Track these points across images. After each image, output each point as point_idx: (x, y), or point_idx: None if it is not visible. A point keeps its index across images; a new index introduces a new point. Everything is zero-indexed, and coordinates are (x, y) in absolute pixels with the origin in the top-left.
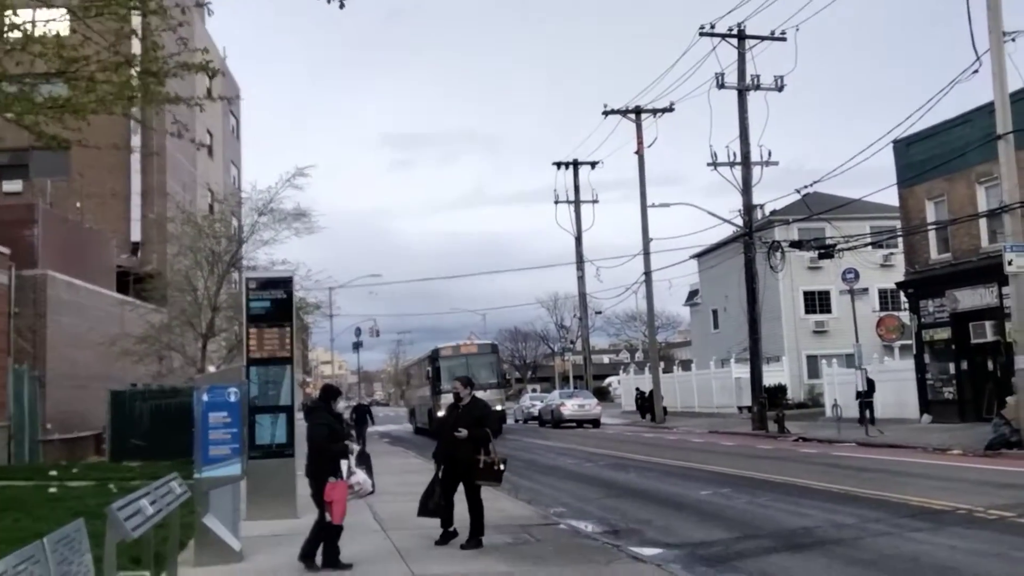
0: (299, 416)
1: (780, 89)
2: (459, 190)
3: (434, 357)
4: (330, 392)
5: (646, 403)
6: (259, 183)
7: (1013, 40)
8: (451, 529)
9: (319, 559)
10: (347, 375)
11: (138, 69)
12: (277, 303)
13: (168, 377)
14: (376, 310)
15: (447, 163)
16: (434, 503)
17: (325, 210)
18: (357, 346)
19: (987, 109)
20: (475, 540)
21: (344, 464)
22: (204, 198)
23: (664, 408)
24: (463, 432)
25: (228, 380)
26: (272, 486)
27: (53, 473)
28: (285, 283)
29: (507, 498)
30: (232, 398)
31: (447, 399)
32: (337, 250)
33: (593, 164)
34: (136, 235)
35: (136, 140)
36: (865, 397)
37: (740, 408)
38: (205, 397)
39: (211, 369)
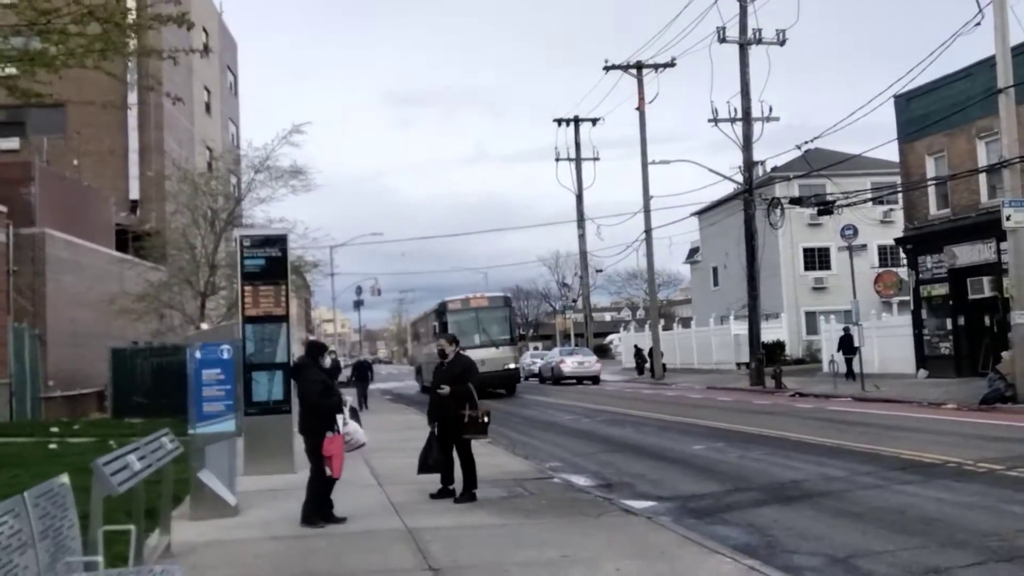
0: None
1: (782, 43)
2: (460, 148)
3: (441, 311)
4: (316, 348)
5: (644, 360)
6: (256, 140)
7: None
8: (451, 487)
9: (306, 515)
10: (350, 333)
11: (107, 21)
12: (272, 261)
13: (168, 335)
14: (377, 269)
15: (448, 121)
16: (433, 459)
17: (324, 168)
18: (358, 304)
19: (988, 63)
20: (468, 494)
21: (340, 417)
22: (202, 156)
23: (663, 365)
24: (445, 389)
25: (222, 337)
26: (269, 442)
27: (54, 430)
28: (280, 241)
29: (504, 453)
30: (225, 355)
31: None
32: (337, 209)
33: (594, 121)
34: (134, 193)
35: (133, 97)
36: (847, 353)
37: (739, 364)
38: (198, 355)
39: (204, 327)
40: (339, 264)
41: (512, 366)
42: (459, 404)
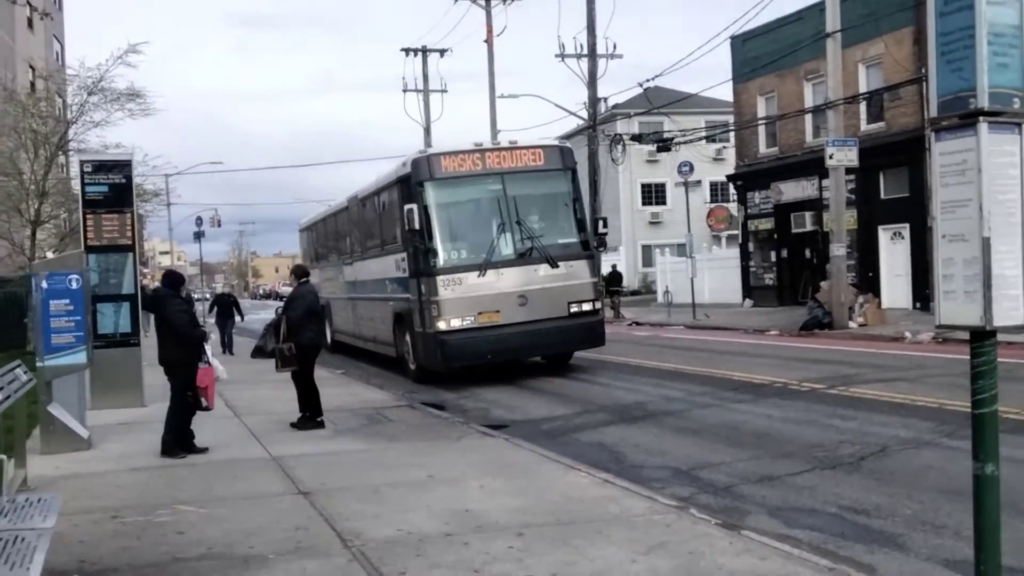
0: None
1: None
2: (306, 76)
3: (411, 181)
4: (175, 278)
5: None
6: (88, 61)
7: None
8: (306, 413)
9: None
10: (186, 266)
11: None
12: (116, 188)
13: None
14: (218, 199)
15: (294, 47)
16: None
17: (163, 93)
18: (199, 236)
19: (818, 7)
20: (310, 422)
21: (207, 348)
22: (25, 75)
23: None
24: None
25: (69, 267)
26: (117, 375)
27: None
28: (123, 166)
29: (359, 383)
30: (74, 285)
31: (452, 282)
32: (177, 136)
33: (442, 52)
34: None
35: None
36: (609, 286)
37: None
38: (44, 284)
39: (50, 255)
40: (179, 194)
41: (588, 301)
42: (276, 334)
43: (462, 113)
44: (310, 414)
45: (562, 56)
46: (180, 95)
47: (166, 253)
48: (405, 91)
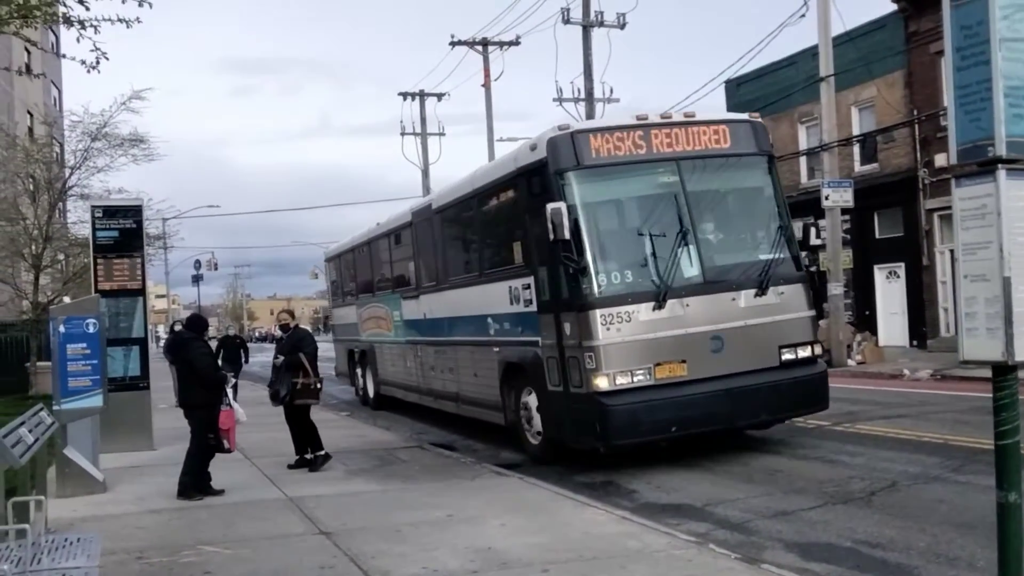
0: (154, 349)
1: (622, 27)
2: (303, 121)
3: (554, 171)
4: (199, 322)
5: None
6: (91, 106)
7: None
8: (306, 456)
9: (185, 487)
10: (179, 310)
11: None
12: (125, 232)
13: None
14: (215, 243)
15: (291, 92)
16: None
17: (165, 138)
18: (197, 279)
19: (811, 52)
20: (321, 457)
21: (229, 391)
22: (24, 121)
23: None
24: (280, 358)
25: (85, 311)
26: (126, 418)
27: None
28: (135, 211)
29: (365, 424)
30: (91, 329)
31: (617, 318)
32: (174, 181)
33: (440, 96)
34: None
35: None
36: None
37: None
38: (62, 328)
39: (67, 300)
40: (182, 236)
41: (806, 345)
42: (293, 372)
43: (461, 154)
44: (313, 451)
45: (560, 100)
46: (177, 140)
47: (162, 296)
48: (403, 134)
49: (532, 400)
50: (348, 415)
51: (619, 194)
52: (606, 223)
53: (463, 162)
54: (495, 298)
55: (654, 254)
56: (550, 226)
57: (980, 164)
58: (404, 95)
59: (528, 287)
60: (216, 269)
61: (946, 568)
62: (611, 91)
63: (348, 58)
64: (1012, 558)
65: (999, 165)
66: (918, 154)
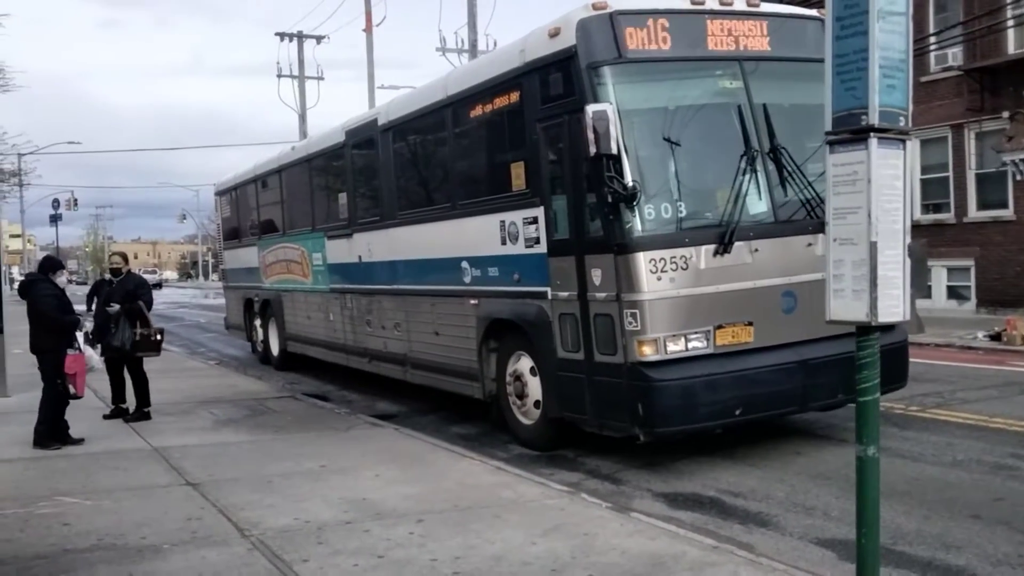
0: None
1: None
2: (176, 58)
3: (587, 64)
4: (51, 263)
5: None
6: None
7: None
8: (123, 406)
9: (40, 436)
10: (36, 251)
11: None
12: None
13: None
14: (77, 182)
15: (163, 27)
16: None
17: (24, 68)
18: (56, 219)
19: None
20: (141, 412)
21: (79, 335)
22: None
23: None
24: (115, 307)
25: None
26: None
27: None
28: None
29: (236, 374)
30: None
31: (668, 263)
32: (33, 115)
33: (319, 38)
34: None
35: None
36: None
37: None
38: None
39: None
40: (39, 174)
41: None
42: (131, 322)
43: (340, 102)
44: (141, 406)
45: (443, 50)
46: (38, 72)
47: (17, 236)
48: (280, 76)
49: (524, 368)
50: (218, 363)
51: (671, 101)
52: (655, 138)
53: (342, 109)
54: (476, 236)
55: (716, 182)
56: (590, 136)
57: (853, 132)
58: (281, 36)
59: (533, 221)
60: (76, 207)
61: (803, 517)
62: (495, 43)
63: None
64: (870, 508)
65: (871, 133)
66: None
